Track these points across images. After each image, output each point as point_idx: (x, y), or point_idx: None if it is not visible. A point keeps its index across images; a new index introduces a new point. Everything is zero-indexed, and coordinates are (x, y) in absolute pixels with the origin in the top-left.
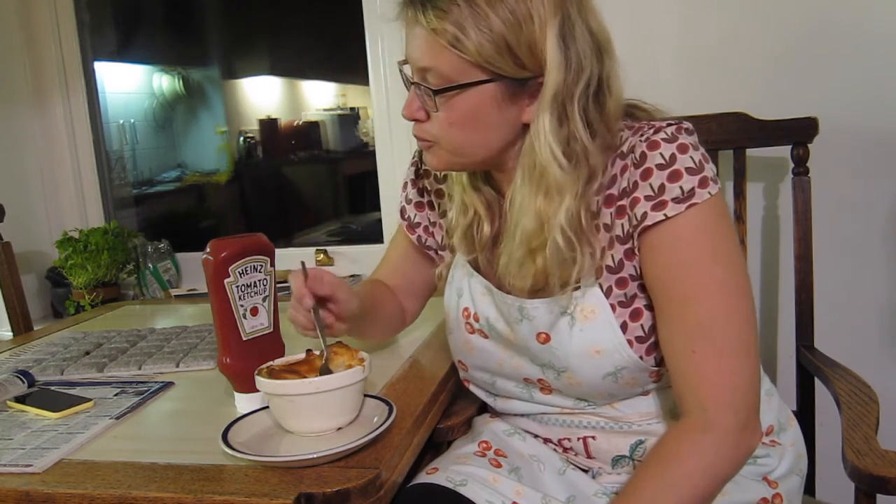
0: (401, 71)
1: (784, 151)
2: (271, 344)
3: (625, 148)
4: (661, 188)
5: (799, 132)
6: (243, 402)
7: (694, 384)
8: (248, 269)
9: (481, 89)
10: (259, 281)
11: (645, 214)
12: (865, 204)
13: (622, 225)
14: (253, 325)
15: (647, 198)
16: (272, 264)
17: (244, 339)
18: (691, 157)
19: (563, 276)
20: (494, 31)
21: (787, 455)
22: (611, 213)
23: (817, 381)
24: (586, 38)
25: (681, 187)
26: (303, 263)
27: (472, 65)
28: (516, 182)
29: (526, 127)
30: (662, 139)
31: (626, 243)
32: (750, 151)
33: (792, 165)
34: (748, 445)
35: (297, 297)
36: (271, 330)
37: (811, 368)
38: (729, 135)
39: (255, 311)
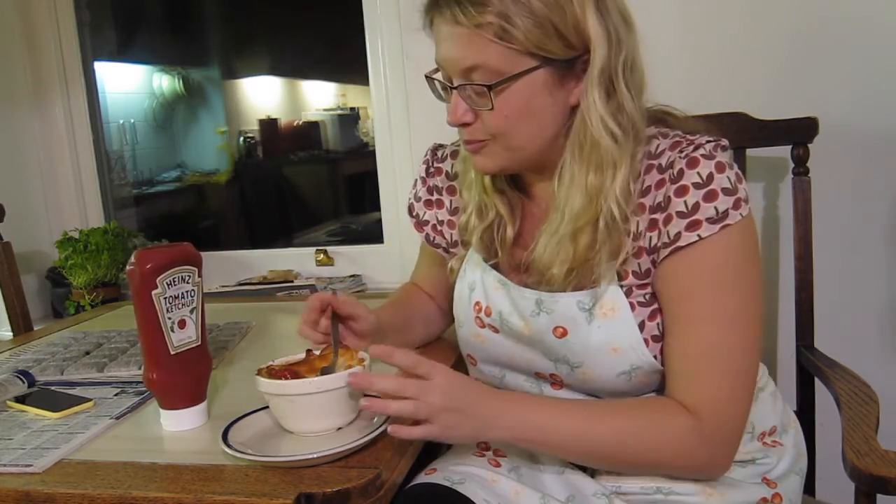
0: (432, 81)
1: (784, 151)
2: (199, 357)
3: (663, 161)
4: (696, 206)
5: (799, 132)
6: (169, 420)
7: (695, 395)
8: (176, 279)
9: (533, 76)
10: (187, 292)
11: (679, 235)
12: (865, 204)
13: (651, 238)
14: (181, 339)
15: (680, 214)
16: (199, 275)
17: (172, 353)
18: (727, 178)
19: (611, 250)
20: (539, 15)
21: (786, 455)
22: (639, 222)
23: (817, 381)
24: (617, 12)
25: (715, 208)
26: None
27: (521, 53)
28: (565, 161)
29: (574, 109)
30: (702, 156)
31: (653, 254)
32: (750, 151)
33: (792, 165)
34: (710, 475)
35: (309, 308)
36: (199, 343)
37: (811, 368)
38: (729, 135)
39: (182, 324)
